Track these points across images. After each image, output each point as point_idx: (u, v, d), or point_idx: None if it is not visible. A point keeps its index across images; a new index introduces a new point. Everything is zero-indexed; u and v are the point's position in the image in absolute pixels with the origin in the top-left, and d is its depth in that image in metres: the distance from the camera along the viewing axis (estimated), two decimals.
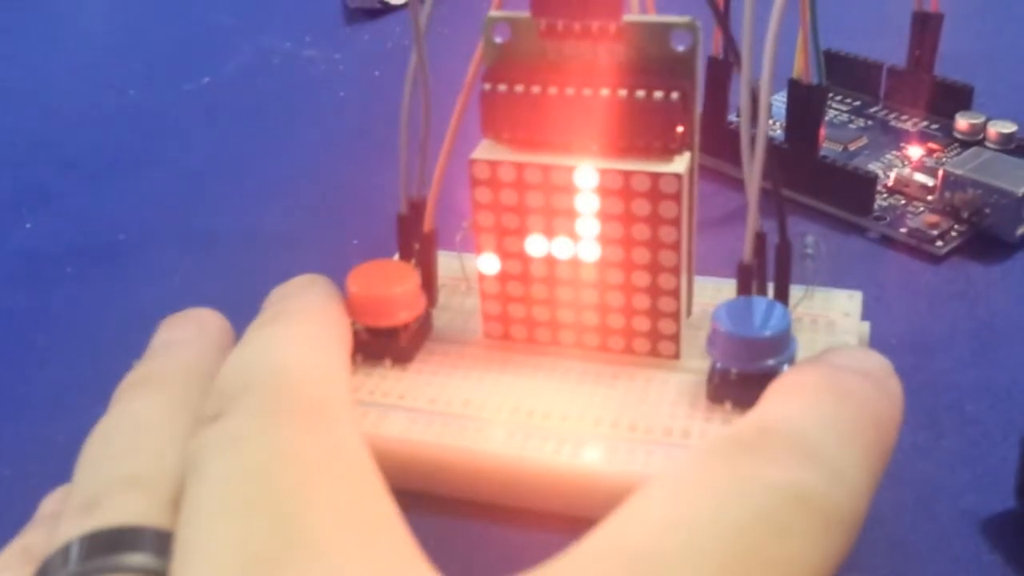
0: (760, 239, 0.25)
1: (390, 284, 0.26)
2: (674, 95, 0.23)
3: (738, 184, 0.37)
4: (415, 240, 0.28)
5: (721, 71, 0.36)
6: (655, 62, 0.24)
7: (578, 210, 0.24)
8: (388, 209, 0.36)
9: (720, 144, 0.36)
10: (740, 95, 0.24)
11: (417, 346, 0.27)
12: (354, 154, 0.41)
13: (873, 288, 0.31)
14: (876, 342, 0.27)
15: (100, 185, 0.40)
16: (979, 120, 0.37)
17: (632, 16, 0.24)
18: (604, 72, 0.24)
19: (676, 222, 0.24)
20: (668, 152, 0.24)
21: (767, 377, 0.23)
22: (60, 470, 0.21)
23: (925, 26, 0.37)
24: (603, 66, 0.24)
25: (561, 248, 0.25)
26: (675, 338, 0.25)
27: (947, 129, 0.38)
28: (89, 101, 0.47)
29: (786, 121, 0.35)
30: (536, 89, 0.24)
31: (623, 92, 0.24)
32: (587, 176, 0.24)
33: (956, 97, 0.38)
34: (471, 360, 0.26)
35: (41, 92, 0.49)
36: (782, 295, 0.26)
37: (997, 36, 0.46)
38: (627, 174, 0.24)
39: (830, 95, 0.41)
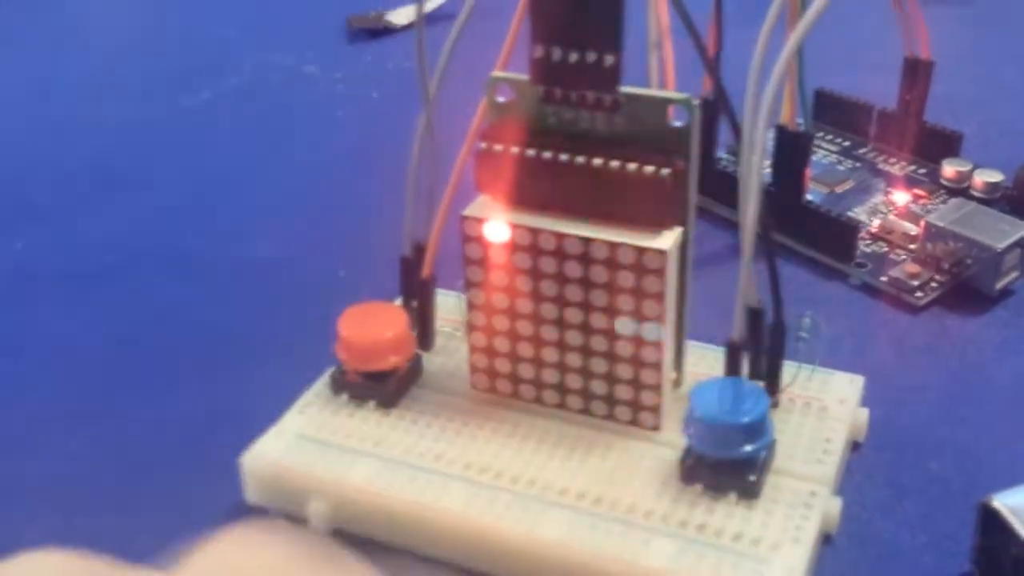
0: (756, 316, 0.25)
1: (379, 329, 0.27)
2: (665, 171, 0.23)
3: (725, 223, 0.37)
4: (416, 284, 0.28)
5: (710, 111, 0.36)
6: (651, 135, 0.24)
7: (565, 274, 0.24)
8: (378, 240, 0.36)
9: (708, 183, 0.36)
10: (740, 189, 0.23)
11: (403, 391, 0.27)
12: (347, 180, 0.42)
13: (850, 337, 0.31)
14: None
15: (93, 204, 0.40)
16: (966, 168, 0.37)
17: (630, 88, 0.24)
18: (599, 141, 0.24)
19: (660, 297, 0.24)
20: (658, 226, 0.24)
21: (742, 463, 0.23)
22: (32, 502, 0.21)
23: (916, 73, 0.37)
24: (599, 135, 0.24)
25: (547, 310, 0.25)
26: (656, 410, 0.25)
27: (934, 175, 0.38)
28: (87, 114, 0.48)
29: (772, 165, 0.35)
30: (531, 152, 0.24)
31: (616, 164, 0.24)
32: (574, 243, 0.24)
33: (945, 143, 0.38)
34: (453, 412, 0.27)
35: (39, 105, 0.49)
36: (773, 377, 0.26)
37: (991, 80, 0.47)
38: (613, 245, 0.24)
39: (819, 134, 0.41)
